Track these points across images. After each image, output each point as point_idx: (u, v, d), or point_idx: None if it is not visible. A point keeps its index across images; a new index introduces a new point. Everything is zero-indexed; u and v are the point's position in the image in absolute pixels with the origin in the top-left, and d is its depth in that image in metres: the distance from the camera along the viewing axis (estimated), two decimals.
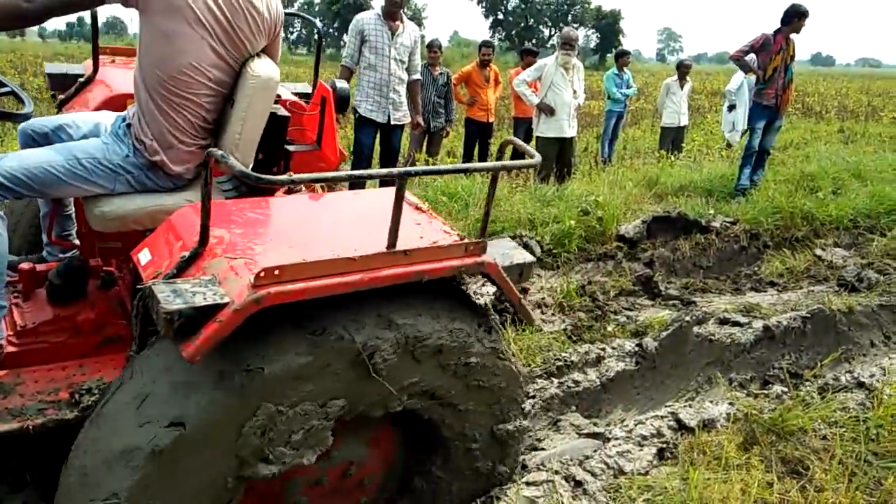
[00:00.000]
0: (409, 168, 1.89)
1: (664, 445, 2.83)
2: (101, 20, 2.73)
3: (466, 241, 2.00)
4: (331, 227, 2.10)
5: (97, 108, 2.60)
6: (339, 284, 1.75)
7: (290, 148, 2.69)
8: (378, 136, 6.01)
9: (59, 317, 2.38)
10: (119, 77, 2.82)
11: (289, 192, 2.50)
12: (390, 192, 1.81)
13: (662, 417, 3.02)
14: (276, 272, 1.67)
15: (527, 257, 2.24)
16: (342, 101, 2.99)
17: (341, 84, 3.00)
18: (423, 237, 2.00)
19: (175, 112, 2.20)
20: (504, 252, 2.22)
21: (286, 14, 2.54)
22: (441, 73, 7.96)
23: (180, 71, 2.14)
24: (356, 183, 4.73)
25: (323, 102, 2.78)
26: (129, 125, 2.27)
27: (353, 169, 5.94)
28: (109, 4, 2.15)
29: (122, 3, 2.13)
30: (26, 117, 2.12)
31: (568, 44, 7.26)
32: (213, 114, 2.30)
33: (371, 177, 1.87)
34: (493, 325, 2.15)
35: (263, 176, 1.69)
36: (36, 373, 2.26)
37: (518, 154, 7.30)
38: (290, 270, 1.69)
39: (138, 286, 1.77)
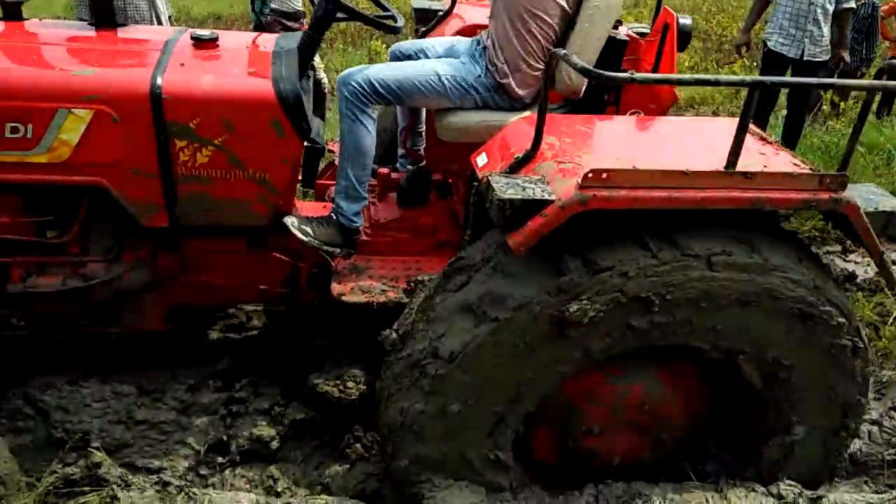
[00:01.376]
0: (762, 77, 1.72)
1: None
2: None
3: (821, 172, 1.76)
4: (662, 146, 2.01)
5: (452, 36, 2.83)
6: (668, 199, 1.67)
7: None
8: (789, 74, 5.22)
9: (404, 217, 2.69)
10: (471, 11, 3.08)
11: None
12: (731, 122, 1.70)
13: None
14: (605, 175, 1.65)
15: None
16: (683, 37, 2.82)
17: (685, 20, 2.81)
18: (766, 166, 1.81)
19: (529, 35, 2.30)
20: (868, 197, 1.90)
21: None
22: (864, 3, 6.63)
23: None
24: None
25: (664, 30, 2.64)
26: (483, 48, 2.41)
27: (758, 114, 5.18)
28: None
29: None
30: (397, 30, 2.37)
31: None
32: (555, 41, 2.34)
33: (719, 83, 1.82)
34: (830, 272, 1.90)
35: (605, 73, 1.66)
36: (381, 261, 2.58)
37: None
38: (619, 176, 1.67)
39: (475, 181, 1.88)
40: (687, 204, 1.67)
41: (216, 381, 2.59)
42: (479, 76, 2.38)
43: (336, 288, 2.42)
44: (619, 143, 2.04)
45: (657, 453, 2.12)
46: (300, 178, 2.46)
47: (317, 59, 5.03)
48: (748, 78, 1.68)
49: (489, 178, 1.75)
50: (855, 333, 1.88)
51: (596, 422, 2.03)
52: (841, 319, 1.83)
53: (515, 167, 1.85)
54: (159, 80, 2.03)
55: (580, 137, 2.00)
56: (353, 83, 2.28)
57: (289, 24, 4.95)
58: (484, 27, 2.62)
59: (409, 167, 2.84)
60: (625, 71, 2.60)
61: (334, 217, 2.41)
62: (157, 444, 2.37)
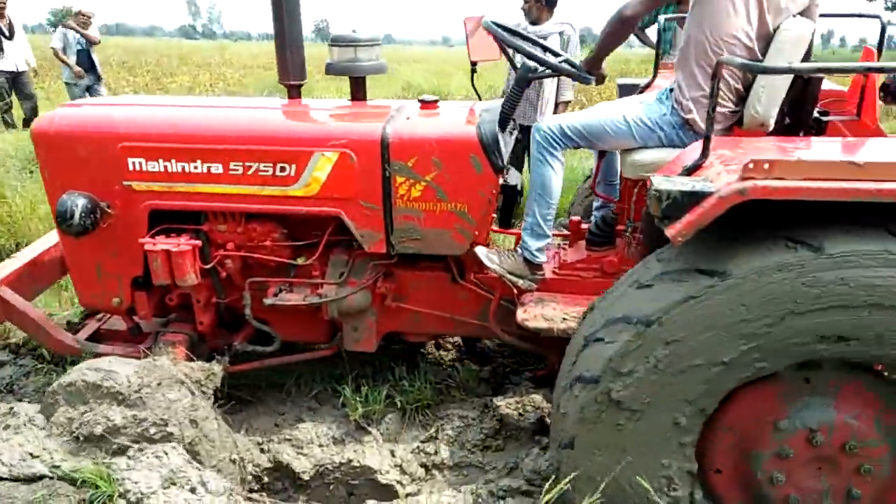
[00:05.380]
0: None
1: None
2: None
3: None
4: (844, 155, 1.93)
5: None
6: (834, 190, 1.63)
7: (824, 118, 2.61)
8: None
9: (591, 258, 2.88)
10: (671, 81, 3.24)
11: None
12: None
13: None
14: (767, 165, 1.67)
15: None
16: (885, 87, 2.74)
17: None
18: None
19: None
20: None
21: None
22: None
23: (721, 39, 2.38)
24: None
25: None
26: (670, 90, 2.61)
27: None
28: None
29: None
30: (588, 81, 2.65)
31: None
32: (745, 81, 2.45)
33: None
34: None
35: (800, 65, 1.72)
36: (566, 297, 2.74)
37: None
38: (782, 166, 1.67)
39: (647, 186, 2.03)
40: (858, 196, 1.61)
41: None
42: (665, 114, 2.54)
43: (521, 315, 2.62)
44: (799, 154, 1.96)
45: None
46: (497, 219, 2.79)
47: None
48: None
49: (652, 178, 1.87)
50: None
51: None
52: None
53: (683, 175, 1.93)
54: (388, 129, 2.55)
55: (756, 150, 2.02)
56: (544, 129, 2.60)
57: None
58: None
59: (596, 213, 3.04)
60: (825, 112, 2.63)
61: (519, 251, 2.69)
62: None
